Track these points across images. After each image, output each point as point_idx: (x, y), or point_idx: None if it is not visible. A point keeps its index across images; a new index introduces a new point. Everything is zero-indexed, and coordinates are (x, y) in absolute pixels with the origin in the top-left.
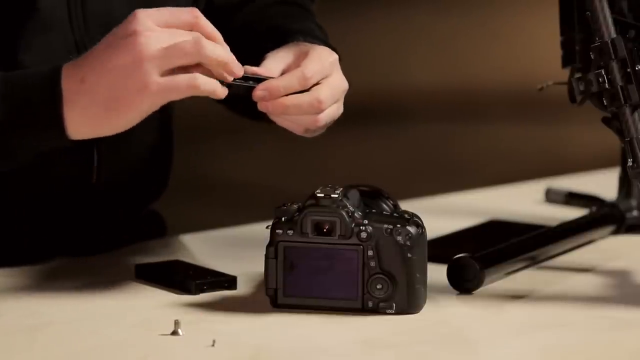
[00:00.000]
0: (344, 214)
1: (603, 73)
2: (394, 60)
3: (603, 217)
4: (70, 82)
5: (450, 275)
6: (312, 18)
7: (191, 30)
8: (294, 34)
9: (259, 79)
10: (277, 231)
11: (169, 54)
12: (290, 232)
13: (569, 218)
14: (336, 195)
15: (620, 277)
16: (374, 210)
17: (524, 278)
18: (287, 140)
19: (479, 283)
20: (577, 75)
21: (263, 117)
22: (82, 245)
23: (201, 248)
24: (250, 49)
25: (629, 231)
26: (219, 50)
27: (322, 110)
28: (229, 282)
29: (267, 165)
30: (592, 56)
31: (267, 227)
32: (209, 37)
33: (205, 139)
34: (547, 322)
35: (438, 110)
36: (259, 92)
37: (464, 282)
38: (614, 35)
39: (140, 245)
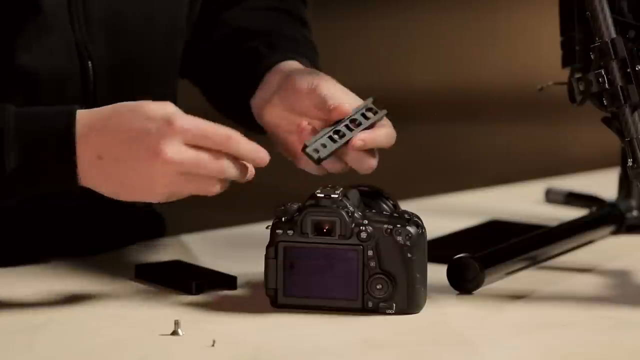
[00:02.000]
0: (344, 214)
1: (603, 73)
2: (394, 60)
3: (603, 217)
4: (87, 153)
5: (450, 275)
6: (300, 29)
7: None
8: (278, 48)
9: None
10: (277, 231)
11: (190, 169)
12: (290, 232)
13: (569, 218)
14: (336, 195)
15: (620, 277)
16: (374, 210)
17: (524, 278)
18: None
19: (479, 283)
20: (577, 75)
21: (258, 128)
22: (82, 246)
23: (201, 248)
24: (230, 48)
25: (629, 231)
26: (238, 172)
27: (392, 143)
28: (229, 282)
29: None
30: (592, 56)
31: (267, 227)
32: (238, 157)
33: None
34: (547, 322)
35: (438, 110)
36: (358, 142)
37: (464, 282)
38: (614, 35)
39: (140, 245)
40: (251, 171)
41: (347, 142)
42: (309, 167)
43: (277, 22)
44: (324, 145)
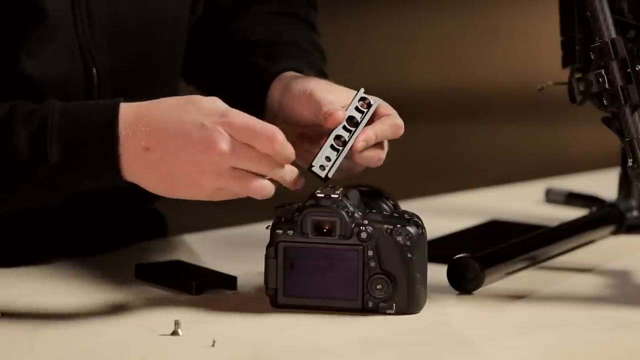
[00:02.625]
0: (344, 214)
1: (603, 73)
2: (394, 60)
3: (603, 217)
4: (133, 145)
5: (450, 275)
6: (309, 34)
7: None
8: (286, 56)
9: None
10: (277, 231)
11: (243, 163)
12: (290, 232)
13: (569, 218)
14: (336, 196)
15: (620, 277)
16: (374, 210)
17: (524, 278)
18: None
19: (479, 283)
20: (577, 75)
21: None
22: (85, 246)
23: (201, 248)
24: (238, 60)
25: (629, 231)
26: (287, 173)
27: (401, 133)
28: (229, 282)
29: None
30: (592, 56)
31: (267, 227)
32: (281, 159)
33: None
34: (547, 322)
35: (438, 110)
36: (360, 144)
37: (464, 282)
38: (614, 35)
39: (141, 245)
40: (302, 179)
41: (350, 147)
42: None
43: (283, 28)
44: (328, 158)
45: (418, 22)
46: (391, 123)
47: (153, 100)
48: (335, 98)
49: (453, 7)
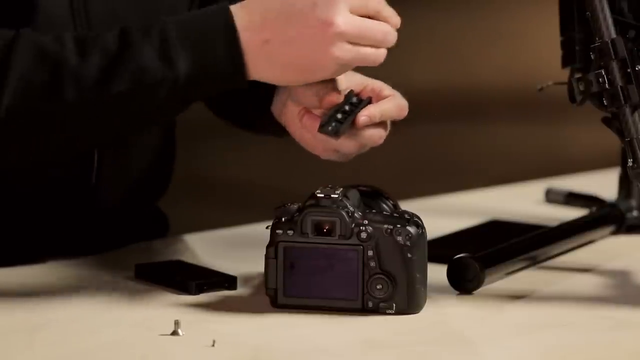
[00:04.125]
0: (344, 214)
1: (603, 73)
2: (394, 60)
3: (603, 217)
4: (252, 40)
5: (450, 275)
6: None
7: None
8: None
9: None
10: (277, 231)
11: (360, 37)
12: (290, 232)
13: (569, 218)
14: (336, 195)
15: (620, 277)
16: (374, 210)
17: (524, 278)
18: (287, 140)
19: (479, 283)
20: (577, 75)
21: (252, 127)
22: (86, 245)
23: (201, 248)
24: None
25: (629, 231)
26: (394, 37)
27: (405, 114)
28: (229, 282)
29: (267, 165)
30: (592, 56)
31: (267, 227)
32: (389, 23)
33: (205, 138)
34: (547, 322)
35: (438, 110)
36: (362, 118)
37: (464, 282)
38: (614, 35)
39: (141, 245)
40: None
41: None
42: (331, 155)
43: None
44: (338, 120)
45: (418, 22)
46: (396, 103)
47: None
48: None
49: (453, 8)
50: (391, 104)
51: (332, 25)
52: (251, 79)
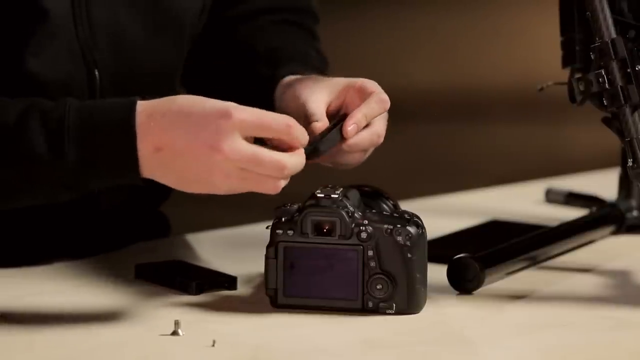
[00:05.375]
0: (344, 214)
1: (603, 73)
2: (394, 60)
3: (603, 217)
4: (146, 145)
5: (450, 275)
6: (312, 42)
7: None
8: (289, 60)
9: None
10: (277, 231)
11: (249, 165)
12: (290, 232)
13: (569, 218)
14: (336, 196)
15: (620, 277)
16: (374, 210)
17: (524, 278)
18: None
19: (479, 283)
20: (577, 75)
21: None
22: (87, 246)
23: (201, 248)
24: (244, 69)
25: (629, 231)
26: (299, 167)
27: (379, 143)
28: (229, 282)
29: None
30: (592, 56)
31: (267, 227)
32: (292, 148)
33: None
34: (547, 322)
35: (438, 110)
36: (350, 127)
37: (464, 282)
38: (614, 35)
39: (141, 245)
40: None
41: (341, 135)
42: (337, 167)
43: (288, 36)
44: (315, 140)
45: (418, 22)
46: (377, 100)
47: (167, 98)
48: (317, 99)
49: (453, 8)
50: (372, 102)
51: (218, 151)
52: (147, 177)
